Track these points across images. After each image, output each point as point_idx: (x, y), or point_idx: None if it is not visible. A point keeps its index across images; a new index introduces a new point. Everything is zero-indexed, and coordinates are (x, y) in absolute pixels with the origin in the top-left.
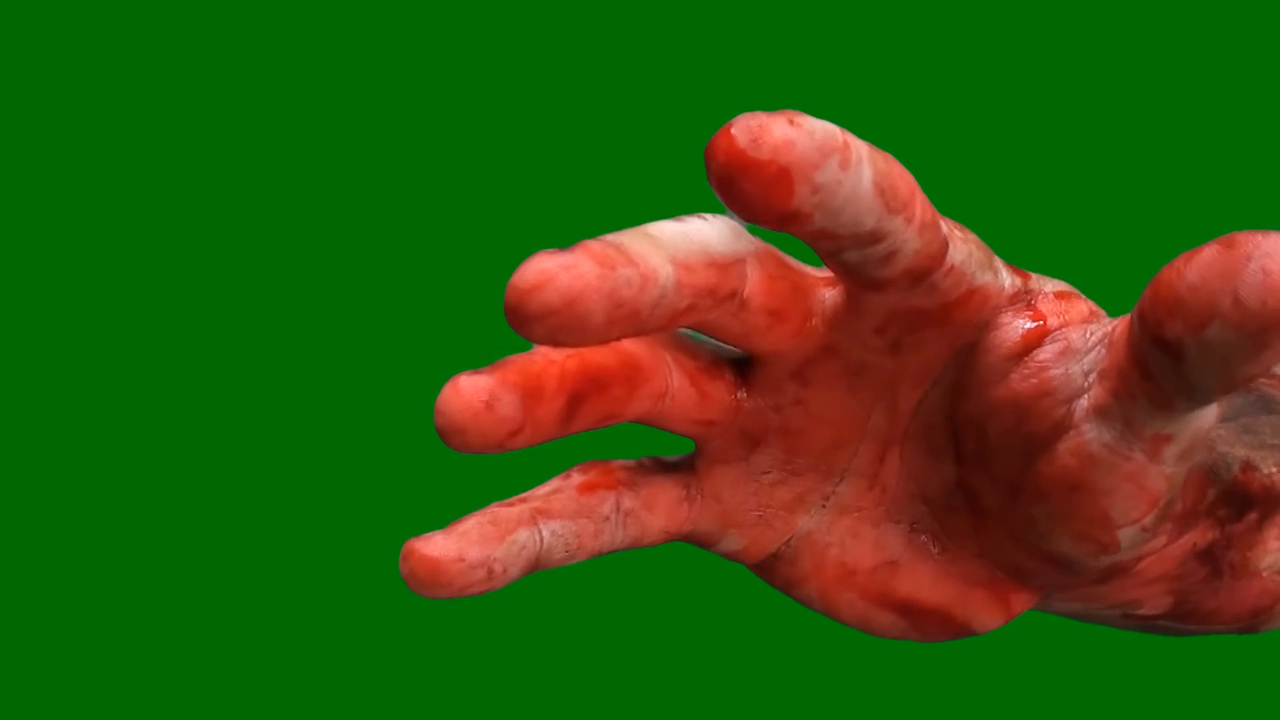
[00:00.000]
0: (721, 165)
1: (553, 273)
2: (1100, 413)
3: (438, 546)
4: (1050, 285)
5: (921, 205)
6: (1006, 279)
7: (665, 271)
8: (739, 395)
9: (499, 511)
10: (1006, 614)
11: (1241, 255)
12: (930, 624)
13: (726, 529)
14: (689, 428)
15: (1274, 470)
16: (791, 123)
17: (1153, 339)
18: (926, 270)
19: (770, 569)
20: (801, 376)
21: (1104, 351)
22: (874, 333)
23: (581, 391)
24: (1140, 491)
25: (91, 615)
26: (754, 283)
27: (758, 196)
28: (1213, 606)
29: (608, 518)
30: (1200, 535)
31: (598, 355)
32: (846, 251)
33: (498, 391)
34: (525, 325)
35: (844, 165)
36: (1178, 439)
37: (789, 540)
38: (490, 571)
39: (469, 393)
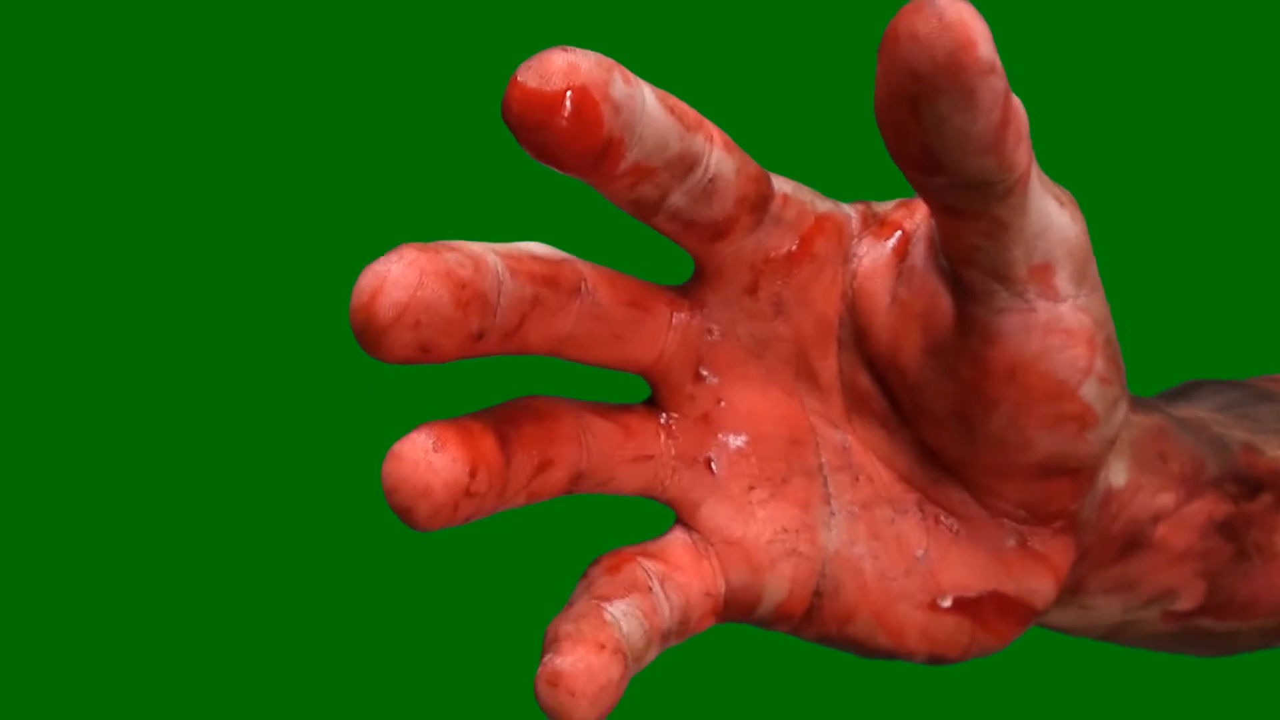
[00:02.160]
0: (523, 113)
1: (385, 271)
2: (975, 288)
3: (577, 662)
4: (890, 202)
5: (716, 129)
6: (847, 206)
7: (491, 257)
8: (660, 420)
9: (575, 608)
10: (1054, 572)
11: (886, 49)
12: (991, 614)
13: (760, 574)
14: (631, 471)
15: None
16: (566, 50)
17: (911, 169)
18: (759, 197)
19: (819, 615)
20: (706, 375)
21: None
22: (747, 294)
23: (503, 432)
24: (1068, 337)
25: (84, 614)
26: (595, 279)
27: (570, 129)
28: (1248, 593)
29: (650, 588)
30: (1213, 506)
31: (502, 408)
32: (671, 194)
33: (438, 436)
34: (383, 335)
35: (627, 80)
36: (1056, 262)
37: (824, 570)
38: (624, 656)
39: (411, 448)
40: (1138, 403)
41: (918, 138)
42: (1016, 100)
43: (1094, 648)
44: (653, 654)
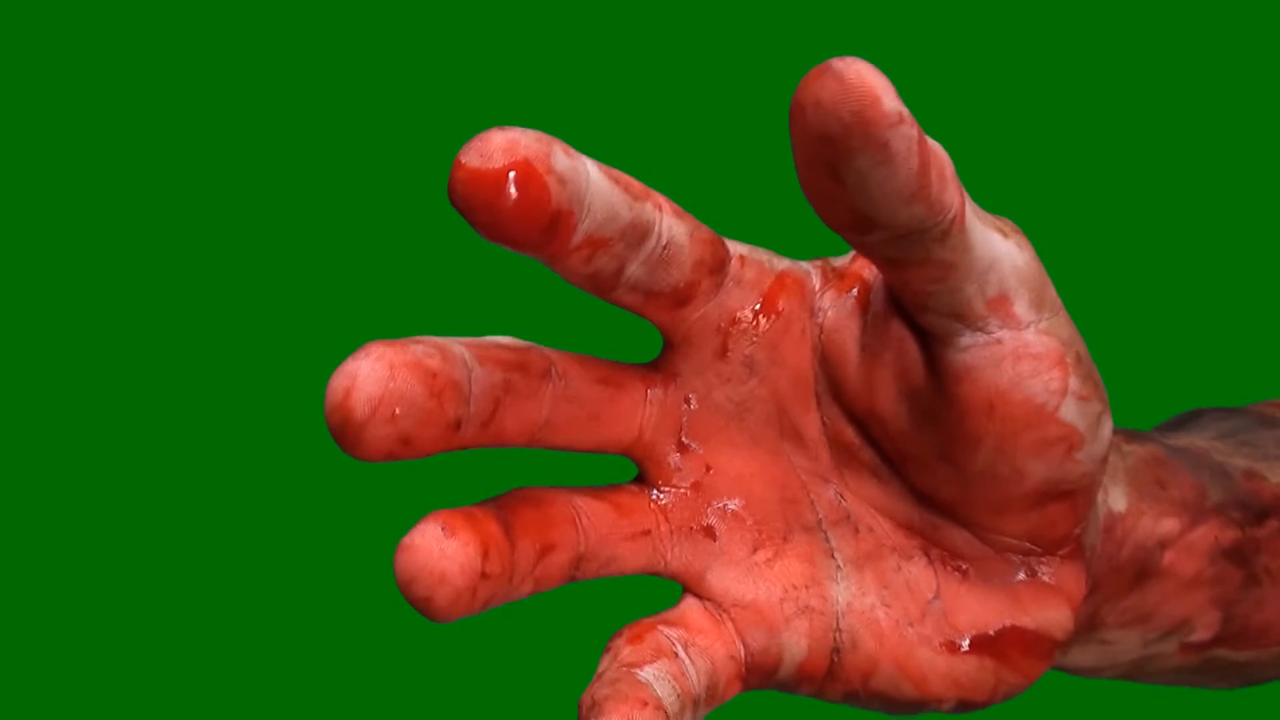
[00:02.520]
0: (469, 194)
1: (354, 369)
2: (936, 331)
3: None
4: (847, 256)
5: (663, 197)
6: (805, 264)
7: (458, 348)
8: (651, 496)
9: (608, 675)
10: (1068, 600)
11: (795, 120)
12: (1012, 651)
13: (777, 634)
14: (631, 549)
15: None
16: (504, 128)
17: (845, 231)
18: (716, 259)
19: (841, 671)
20: (690, 445)
21: None
22: (718, 359)
23: (503, 518)
24: (1038, 362)
25: (82, 616)
26: (564, 362)
27: (518, 205)
28: (1263, 620)
29: (676, 654)
30: (1219, 531)
31: (495, 499)
32: (628, 265)
33: (445, 522)
34: (362, 432)
35: (568, 153)
36: (1011, 291)
37: (839, 624)
38: (665, 715)
39: (423, 537)
40: (1132, 435)
41: (844, 200)
42: (934, 143)
43: (1116, 692)
44: (682, 709)
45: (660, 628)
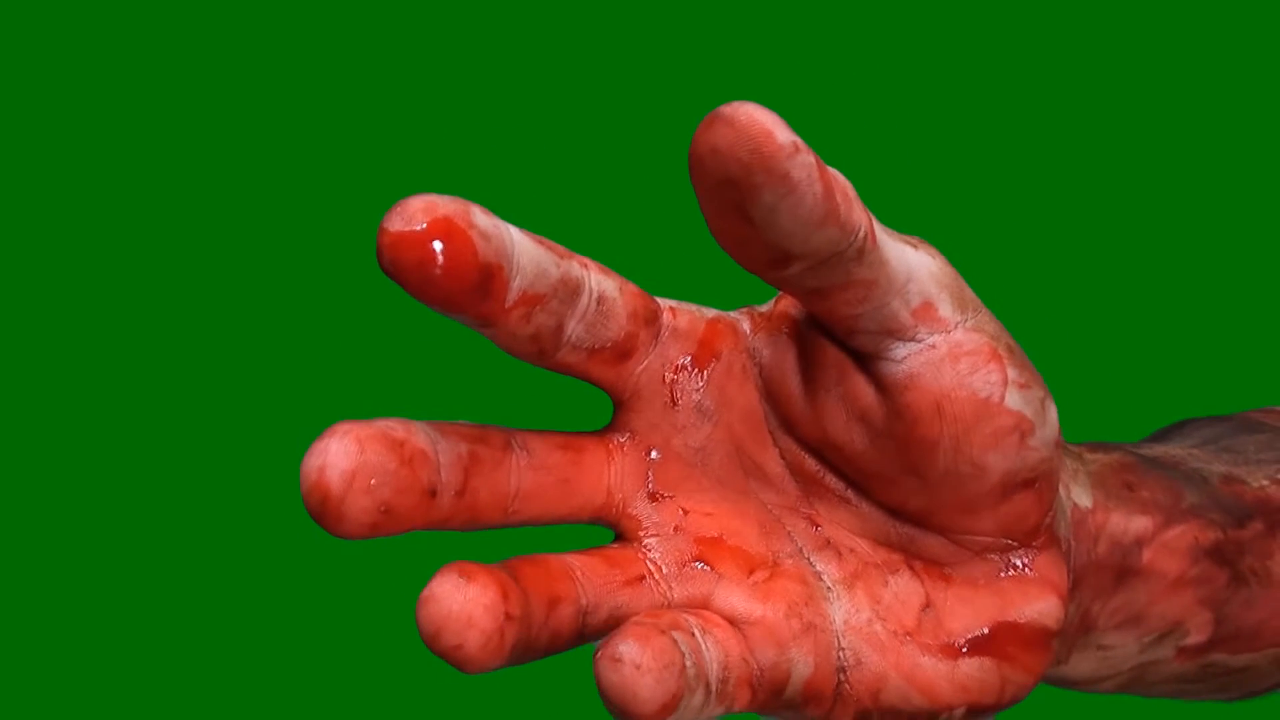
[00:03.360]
0: (397, 257)
1: (324, 447)
2: (870, 349)
3: (641, 640)
4: (770, 301)
5: (586, 258)
6: (730, 311)
7: (418, 424)
8: (634, 548)
9: (654, 624)
10: (1054, 588)
11: (695, 170)
12: (1010, 647)
13: (786, 650)
14: (632, 596)
15: (1265, 483)
16: (419, 195)
17: (764, 270)
18: (649, 311)
19: (850, 690)
20: (660, 495)
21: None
22: (669, 409)
23: (509, 571)
24: (974, 358)
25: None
26: (523, 436)
27: (447, 262)
28: (1255, 620)
29: (693, 634)
30: (1198, 531)
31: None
32: (567, 323)
33: (460, 570)
34: (342, 505)
35: (487, 213)
36: (933, 297)
37: (840, 643)
38: (683, 656)
39: (442, 585)
40: (1097, 445)
41: (757, 239)
42: (832, 170)
43: (1120, 711)
44: (698, 699)
45: (680, 612)
